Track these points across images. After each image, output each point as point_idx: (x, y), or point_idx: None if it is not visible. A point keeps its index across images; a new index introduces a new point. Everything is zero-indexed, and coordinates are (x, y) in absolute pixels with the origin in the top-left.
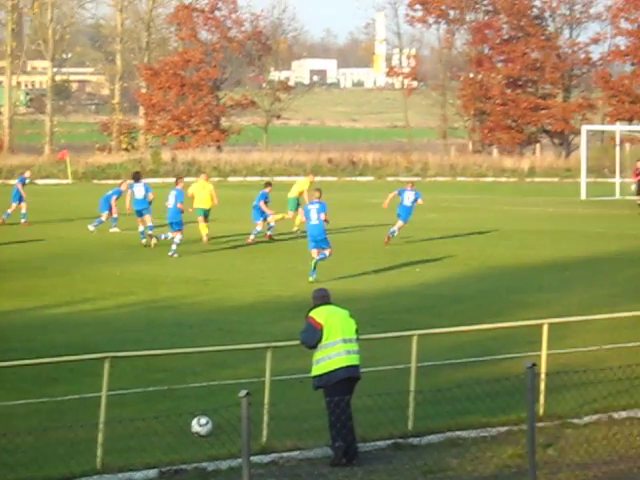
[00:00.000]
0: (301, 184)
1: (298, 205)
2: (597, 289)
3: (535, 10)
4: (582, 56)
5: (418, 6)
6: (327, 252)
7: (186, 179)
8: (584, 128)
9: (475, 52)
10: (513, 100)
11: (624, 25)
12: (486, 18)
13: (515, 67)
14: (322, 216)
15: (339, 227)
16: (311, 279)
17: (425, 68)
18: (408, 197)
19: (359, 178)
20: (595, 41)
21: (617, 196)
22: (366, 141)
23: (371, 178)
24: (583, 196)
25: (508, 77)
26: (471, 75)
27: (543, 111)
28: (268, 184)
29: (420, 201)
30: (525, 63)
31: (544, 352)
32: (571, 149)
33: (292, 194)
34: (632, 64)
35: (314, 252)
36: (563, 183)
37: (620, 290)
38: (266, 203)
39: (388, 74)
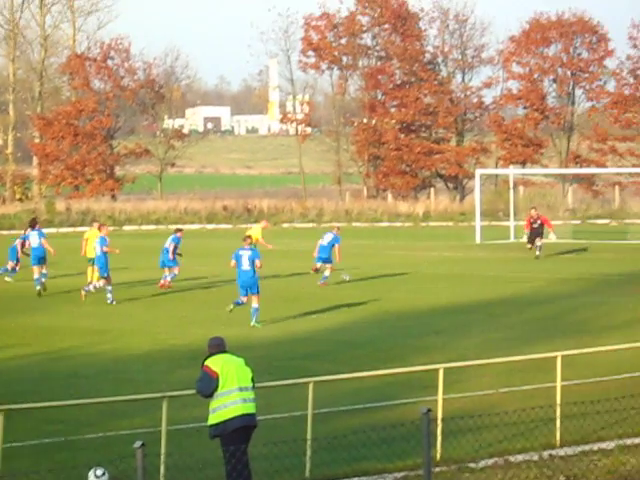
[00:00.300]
0: (256, 231)
1: None
2: (493, 333)
3: (427, 55)
4: (475, 100)
5: (311, 52)
6: (253, 299)
7: (80, 228)
8: (478, 172)
9: (368, 97)
10: (407, 145)
11: (516, 69)
12: (379, 64)
13: (408, 112)
14: (257, 263)
15: (233, 275)
16: (252, 324)
17: (319, 114)
18: (327, 238)
19: (254, 225)
20: (487, 85)
21: (512, 239)
22: (261, 188)
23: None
24: (478, 240)
25: (402, 122)
26: (365, 120)
27: (437, 155)
28: (179, 230)
29: (336, 246)
30: (418, 108)
31: (440, 397)
32: (465, 193)
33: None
34: (524, 107)
35: (244, 298)
36: (458, 227)
37: (515, 333)
38: (176, 248)
39: (282, 120)
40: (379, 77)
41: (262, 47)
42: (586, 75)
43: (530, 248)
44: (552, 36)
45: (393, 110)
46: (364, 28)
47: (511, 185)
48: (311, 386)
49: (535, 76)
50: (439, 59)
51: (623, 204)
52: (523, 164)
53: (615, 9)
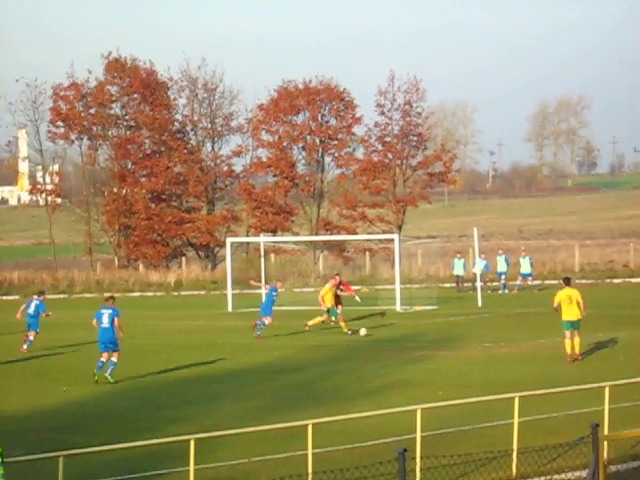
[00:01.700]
0: (327, 289)
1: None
2: (245, 401)
3: (177, 124)
4: (225, 168)
5: (60, 123)
6: (113, 354)
7: None
8: (229, 240)
9: (118, 167)
10: (158, 214)
11: (265, 137)
12: (128, 133)
13: (159, 181)
14: (116, 321)
15: None
16: (107, 374)
17: (69, 184)
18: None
19: (4, 297)
20: (237, 154)
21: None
22: (11, 259)
23: (17, 297)
24: (230, 308)
25: (152, 191)
26: (115, 190)
27: (188, 224)
28: (42, 292)
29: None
30: (168, 177)
31: (192, 467)
32: (217, 261)
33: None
34: (274, 175)
35: (104, 355)
36: (210, 295)
37: (268, 402)
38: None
39: (32, 191)
40: (129, 147)
41: (10, 118)
42: (335, 142)
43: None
44: (300, 104)
45: (143, 179)
46: (113, 98)
47: (262, 253)
48: (61, 460)
49: (284, 144)
50: (188, 128)
51: (374, 270)
52: (274, 232)
53: (362, 76)
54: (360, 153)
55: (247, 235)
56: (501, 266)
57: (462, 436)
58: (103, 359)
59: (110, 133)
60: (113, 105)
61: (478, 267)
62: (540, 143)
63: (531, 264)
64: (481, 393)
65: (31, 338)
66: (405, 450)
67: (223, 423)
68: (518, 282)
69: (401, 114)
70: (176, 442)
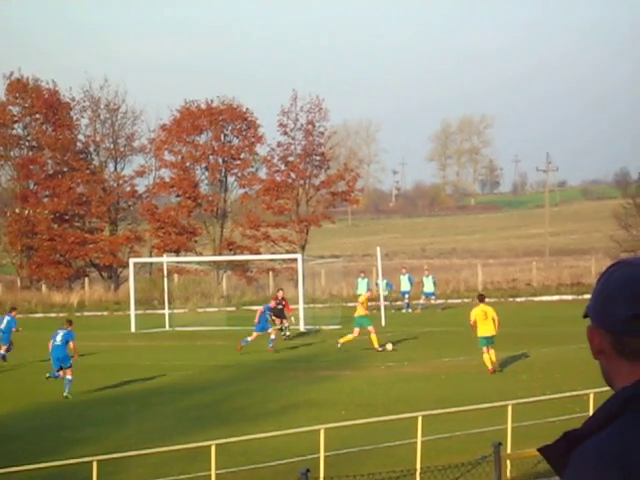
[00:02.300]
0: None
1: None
2: (149, 422)
3: (79, 144)
4: (128, 189)
5: None
6: (69, 374)
7: None
8: (132, 261)
9: (20, 188)
10: (60, 235)
11: (168, 157)
12: (30, 154)
13: (61, 202)
14: (71, 344)
15: None
16: (64, 394)
17: None
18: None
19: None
20: (140, 174)
21: (167, 327)
22: None
23: None
24: (133, 329)
25: (55, 212)
26: (17, 211)
27: (91, 245)
28: (13, 309)
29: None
30: (71, 197)
31: None
32: (120, 282)
33: (360, 312)
34: (177, 195)
35: (61, 373)
36: (113, 316)
37: (171, 422)
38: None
39: None
40: (31, 167)
41: None
42: (238, 162)
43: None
44: (203, 124)
45: (46, 200)
46: (15, 118)
47: (165, 273)
48: None
49: (187, 164)
50: (91, 148)
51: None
52: (177, 252)
53: (264, 96)
54: (263, 173)
55: (150, 255)
56: (404, 285)
57: (365, 456)
58: (59, 374)
59: (12, 153)
60: (15, 125)
61: (381, 286)
62: (443, 162)
63: (434, 283)
64: (384, 412)
65: (2, 351)
66: (308, 470)
67: (127, 444)
68: (421, 301)
69: (304, 134)
70: (79, 464)
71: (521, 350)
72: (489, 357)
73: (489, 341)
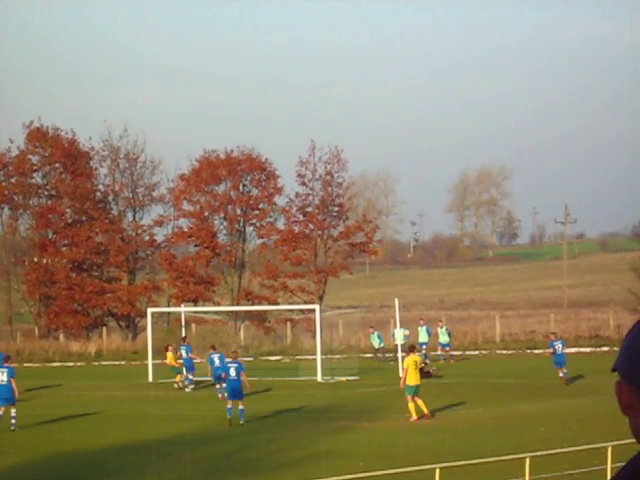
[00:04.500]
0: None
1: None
2: (166, 472)
3: (98, 194)
4: (146, 238)
5: None
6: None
7: None
8: (149, 310)
9: (39, 237)
10: (78, 284)
11: (186, 207)
12: (49, 202)
13: (80, 251)
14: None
15: None
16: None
17: None
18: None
19: None
20: (159, 223)
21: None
22: None
23: None
24: (150, 378)
25: (73, 261)
26: (35, 260)
27: (109, 294)
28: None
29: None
30: (90, 247)
31: None
32: (138, 331)
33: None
34: (195, 245)
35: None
36: (130, 365)
37: (189, 473)
38: None
39: None
40: (50, 216)
41: None
42: (256, 212)
43: None
44: (222, 174)
45: (64, 249)
46: (35, 167)
47: (183, 323)
48: None
49: (206, 214)
50: (110, 197)
51: (295, 340)
52: (195, 302)
53: (282, 146)
54: (281, 223)
55: (168, 305)
56: (422, 337)
57: None
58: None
59: (31, 202)
60: (34, 174)
61: (399, 337)
62: (461, 213)
63: (448, 334)
64: (402, 464)
65: None
66: None
67: None
68: (440, 352)
69: (322, 184)
70: None
71: (538, 402)
72: (414, 405)
73: (416, 390)
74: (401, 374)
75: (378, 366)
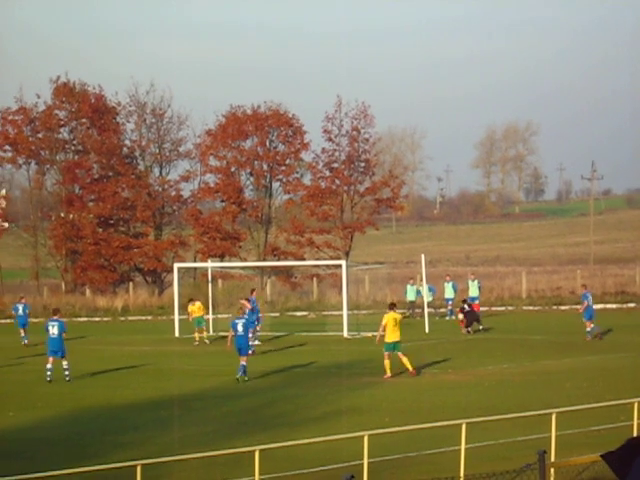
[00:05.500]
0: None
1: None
2: (192, 427)
3: (125, 149)
4: (173, 194)
5: (7, 147)
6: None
7: None
8: (176, 266)
9: (66, 192)
10: (105, 239)
11: (213, 162)
12: (76, 158)
13: (106, 206)
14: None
15: None
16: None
17: (16, 209)
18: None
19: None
20: (185, 179)
21: (211, 332)
22: None
23: None
24: (177, 333)
25: (100, 216)
26: (62, 215)
27: (135, 250)
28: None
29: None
30: (116, 202)
31: None
32: (164, 287)
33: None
34: (222, 201)
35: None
36: (157, 321)
37: (215, 427)
38: None
39: None
40: (77, 171)
41: None
42: (283, 168)
43: None
44: (248, 129)
45: (91, 204)
46: (61, 122)
47: (209, 278)
48: None
49: (232, 169)
50: (137, 153)
51: (321, 296)
52: (221, 257)
53: (309, 102)
54: (308, 179)
55: (195, 260)
56: (449, 293)
57: (409, 462)
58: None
59: (58, 157)
60: (61, 129)
61: (425, 293)
62: (488, 170)
63: (479, 288)
64: (428, 419)
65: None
66: (352, 476)
67: (170, 449)
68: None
69: (348, 140)
70: (122, 468)
71: (564, 358)
72: (390, 363)
73: (395, 346)
74: (380, 331)
75: (406, 322)
